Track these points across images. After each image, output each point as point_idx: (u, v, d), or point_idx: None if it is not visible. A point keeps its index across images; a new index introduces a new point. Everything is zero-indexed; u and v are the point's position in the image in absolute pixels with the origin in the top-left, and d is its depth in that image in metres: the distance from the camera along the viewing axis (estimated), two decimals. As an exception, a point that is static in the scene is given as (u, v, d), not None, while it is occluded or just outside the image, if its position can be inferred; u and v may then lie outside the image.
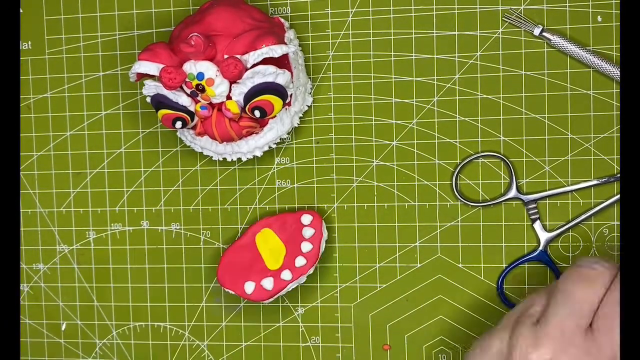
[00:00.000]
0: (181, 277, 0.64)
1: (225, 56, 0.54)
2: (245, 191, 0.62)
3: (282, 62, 0.56)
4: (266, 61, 0.54)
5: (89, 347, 0.65)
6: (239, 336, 0.63)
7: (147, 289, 0.64)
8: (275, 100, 0.55)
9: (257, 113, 0.55)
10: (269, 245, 0.59)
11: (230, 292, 0.60)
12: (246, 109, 0.55)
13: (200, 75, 0.54)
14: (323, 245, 0.59)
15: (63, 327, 0.66)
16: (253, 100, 0.54)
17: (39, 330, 0.66)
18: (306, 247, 0.59)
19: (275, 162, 0.62)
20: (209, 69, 0.54)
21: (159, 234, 0.64)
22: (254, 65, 0.54)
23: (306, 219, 0.59)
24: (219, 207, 0.63)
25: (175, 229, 0.63)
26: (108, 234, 0.65)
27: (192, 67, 0.54)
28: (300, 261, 0.58)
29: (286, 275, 0.59)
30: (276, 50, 0.53)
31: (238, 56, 0.54)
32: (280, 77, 0.54)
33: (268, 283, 0.59)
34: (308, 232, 0.59)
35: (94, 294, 0.65)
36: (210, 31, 0.54)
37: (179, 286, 0.64)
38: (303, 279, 0.59)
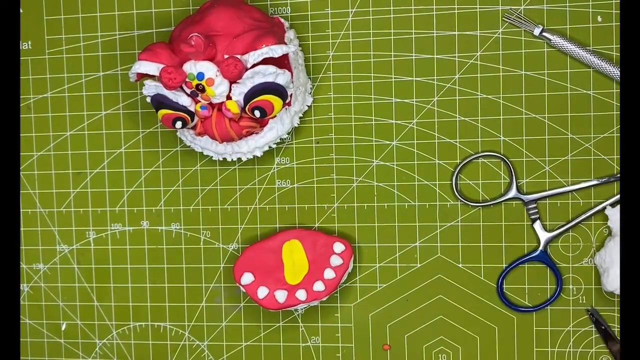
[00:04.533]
0: (181, 277, 0.64)
1: (225, 56, 0.54)
2: (245, 191, 0.62)
3: (282, 62, 0.56)
4: (266, 61, 0.54)
5: (89, 347, 0.65)
6: (239, 336, 0.63)
7: (147, 289, 0.64)
8: (275, 100, 0.55)
9: (257, 113, 0.55)
10: (294, 258, 0.59)
11: (242, 289, 0.59)
12: (246, 109, 0.55)
13: (200, 75, 0.54)
14: (345, 276, 0.59)
15: (63, 327, 0.66)
16: (253, 100, 0.54)
17: (39, 330, 0.66)
18: (329, 274, 0.58)
19: (275, 162, 0.62)
20: (209, 69, 0.54)
21: (159, 234, 0.64)
22: (254, 65, 0.54)
23: (338, 247, 0.58)
24: (219, 207, 0.63)
25: (175, 229, 0.63)
26: (108, 234, 0.65)
27: (192, 67, 0.54)
28: (318, 286, 0.58)
29: (301, 295, 0.58)
30: (276, 50, 0.53)
31: (238, 56, 0.54)
32: (280, 77, 0.54)
33: (281, 295, 0.58)
34: (336, 261, 0.58)
35: (94, 294, 0.65)
36: (210, 31, 0.54)
37: (179, 286, 0.64)
38: (315, 303, 0.59)
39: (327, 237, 0.59)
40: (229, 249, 0.63)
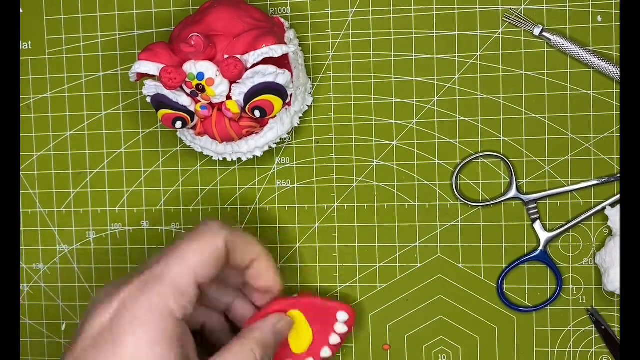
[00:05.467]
0: (181, 277, 0.63)
1: (225, 56, 0.54)
2: (245, 191, 0.62)
3: (282, 62, 0.56)
4: (266, 61, 0.54)
5: (89, 347, 0.65)
6: (239, 336, 0.63)
7: (147, 289, 0.64)
8: (275, 100, 0.55)
9: (257, 113, 0.55)
10: (297, 328, 0.56)
11: None
12: (246, 109, 0.55)
13: (200, 75, 0.54)
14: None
15: (63, 327, 0.66)
16: (253, 100, 0.54)
17: (39, 330, 0.66)
18: (334, 339, 0.56)
19: (275, 162, 0.62)
20: (209, 69, 0.54)
21: (159, 234, 0.64)
22: (254, 65, 0.54)
23: (342, 316, 0.56)
24: (219, 207, 0.63)
25: (175, 229, 0.63)
26: (108, 234, 0.65)
27: (192, 67, 0.54)
28: (325, 352, 0.56)
29: None
30: (276, 50, 0.53)
31: (238, 56, 0.54)
32: (280, 77, 0.54)
33: None
34: (340, 328, 0.56)
35: (94, 294, 0.65)
36: (210, 31, 0.54)
37: (179, 286, 0.64)
38: None
39: (328, 306, 0.56)
40: (229, 249, 0.63)
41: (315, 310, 0.56)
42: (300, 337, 0.56)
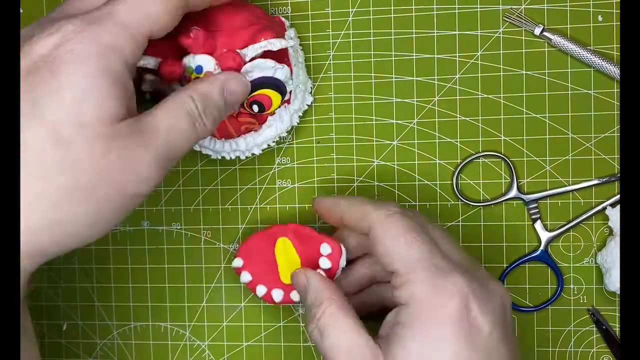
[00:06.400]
0: (182, 277, 0.64)
1: (224, 50, 0.54)
2: (246, 191, 0.62)
3: (281, 58, 0.56)
4: (265, 56, 0.54)
5: (90, 347, 0.65)
6: (239, 336, 0.63)
7: (147, 289, 0.64)
8: (274, 95, 0.55)
9: (255, 108, 0.55)
10: (287, 257, 0.56)
11: (246, 278, 0.57)
12: (244, 103, 0.55)
13: (199, 69, 0.54)
14: (339, 273, 0.55)
15: (64, 327, 0.66)
16: (251, 95, 0.54)
17: (39, 330, 0.66)
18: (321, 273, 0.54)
19: (276, 162, 0.62)
20: (207, 63, 0.54)
21: (160, 234, 0.64)
22: (252, 59, 0.54)
23: (325, 249, 0.54)
24: (220, 207, 0.63)
25: (176, 228, 0.63)
26: (108, 234, 0.64)
27: (190, 61, 0.54)
28: None
29: (295, 296, 0.56)
30: (275, 44, 0.53)
31: (237, 50, 0.54)
32: (279, 71, 0.54)
33: (277, 295, 0.56)
34: (323, 263, 0.54)
35: (94, 294, 0.65)
36: (210, 26, 0.54)
37: (179, 286, 0.64)
38: None
39: (312, 235, 0.55)
40: (229, 249, 0.63)
41: (302, 239, 0.55)
42: (290, 266, 0.55)
